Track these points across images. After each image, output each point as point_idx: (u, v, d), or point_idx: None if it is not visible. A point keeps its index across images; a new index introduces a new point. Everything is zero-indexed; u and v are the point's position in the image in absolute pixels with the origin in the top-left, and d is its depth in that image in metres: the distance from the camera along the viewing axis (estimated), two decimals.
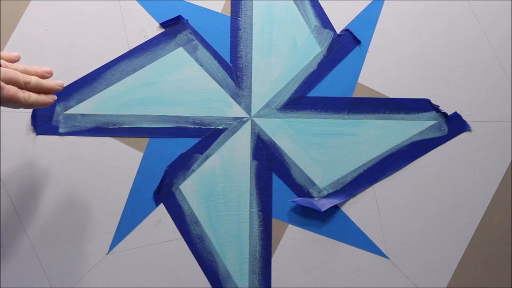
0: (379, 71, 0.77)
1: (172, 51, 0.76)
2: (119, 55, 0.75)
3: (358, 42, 0.77)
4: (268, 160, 0.75)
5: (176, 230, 0.74)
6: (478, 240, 0.75)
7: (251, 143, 0.75)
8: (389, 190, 0.75)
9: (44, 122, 0.73)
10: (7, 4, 0.74)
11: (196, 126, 0.75)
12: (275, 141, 0.76)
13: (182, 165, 0.74)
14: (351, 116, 0.76)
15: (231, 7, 0.77)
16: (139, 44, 0.75)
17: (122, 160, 0.74)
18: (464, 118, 0.76)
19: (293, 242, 0.74)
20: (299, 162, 0.75)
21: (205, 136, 0.75)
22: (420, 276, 0.74)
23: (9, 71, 0.56)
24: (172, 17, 0.76)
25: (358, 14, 0.77)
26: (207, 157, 0.75)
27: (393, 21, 0.77)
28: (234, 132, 0.75)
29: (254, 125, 0.76)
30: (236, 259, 0.74)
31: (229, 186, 0.75)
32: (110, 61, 0.75)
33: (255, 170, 0.75)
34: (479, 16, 0.77)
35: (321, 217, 0.75)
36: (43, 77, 0.61)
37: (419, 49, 0.77)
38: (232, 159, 0.75)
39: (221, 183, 0.75)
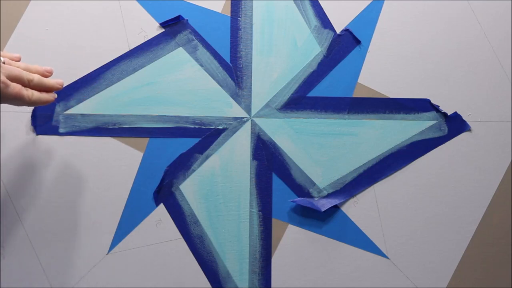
0: (379, 71, 0.77)
1: (172, 51, 0.76)
2: (119, 55, 0.75)
3: (358, 42, 0.77)
4: (268, 160, 0.75)
5: (176, 230, 0.74)
6: (478, 240, 0.75)
7: (251, 143, 0.75)
8: (389, 190, 0.75)
9: (44, 122, 0.73)
10: (7, 4, 0.74)
11: (196, 126, 0.75)
12: (275, 141, 0.76)
13: (182, 165, 0.74)
14: (351, 116, 0.76)
15: (231, 7, 0.77)
16: (139, 44, 0.75)
17: (122, 160, 0.74)
18: (464, 118, 0.76)
19: (293, 242, 0.74)
20: (299, 162, 0.75)
21: (205, 136, 0.75)
22: (420, 276, 0.74)
23: (14, 68, 0.57)
24: (172, 17, 0.76)
25: (358, 14, 0.77)
26: (207, 157, 0.75)
27: (393, 21, 0.77)
28: (234, 132, 0.75)
29: (254, 125, 0.76)
30: (236, 259, 0.74)
31: (229, 186, 0.75)
32: (110, 61, 0.75)
33: (255, 170, 0.75)
34: (479, 16, 0.77)
35: (321, 217, 0.75)
36: (43, 76, 0.62)
37: (419, 49, 0.77)
38: (232, 159, 0.75)
39: (221, 183, 0.75)
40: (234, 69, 0.76)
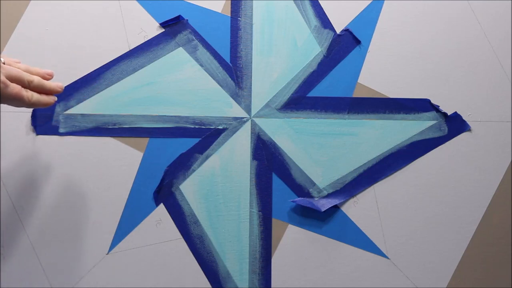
0: (379, 71, 0.77)
1: (172, 51, 0.76)
2: (119, 55, 0.75)
3: (358, 42, 0.77)
4: (268, 160, 0.75)
5: (176, 230, 0.74)
6: (478, 240, 0.75)
7: (251, 143, 0.75)
8: (389, 190, 0.75)
9: (44, 122, 0.73)
10: (7, 4, 0.74)
11: (196, 126, 0.75)
12: (275, 141, 0.76)
13: (182, 165, 0.74)
14: (351, 116, 0.76)
15: (231, 7, 0.77)
16: (139, 44, 0.75)
17: (122, 160, 0.74)
18: (464, 118, 0.76)
19: (293, 242, 0.74)
20: (299, 162, 0.75)
21: (205, 136, 0.75)
22: (420, 276, 0.74)
23: (14, 69, 0.57)
24: (172, 17, 0.76)
25: (358, 14, 0.77)
26: (207, 157, 0.75)
27: (393, 21, 0.77)
28: (234, 132, 0.75)
29: (254, 125, 0.76)
30: (236, 259, 0.74)
31: (229, 186, 0.75)
32: (110, 61, 0.75)
33: (255, 170, 0.75)
34: (479, 16, 0.77)
35: (321, 217, 0.75)
36: (44, 78, 0.62)
37: (419, 49, 0.77)
38: (232, 159, 0.75)
39: (221, 183, 0.75)
40: (234, 69, 0.76)
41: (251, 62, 0.76)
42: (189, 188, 0.74)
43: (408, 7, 0.77)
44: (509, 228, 0.76)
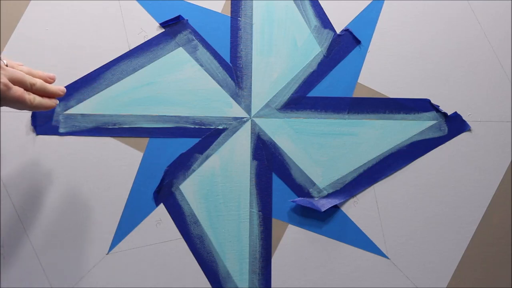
0: (379, 71, 0.77)
1: (172, 51, 0.76)
2: (119, 55, 0.75)
3: (358, 42, 0.77)
4: (268, 160, 0.75)
5: (176, 230, 0.74)
6: (478, 240, 0.75)
7: (251, 143, 0.75)
8: (389, 190, 0.75)
9: (44, 122, 0.73)
10: (7, 4, 0.74)
11: (196, 126, 0.75)
12: (275, 141, 0.76)
13: (182, 165, 0.74)
14: (351, 116, 0.76)
15: (231, 7, 0.77)
16: (139, 44, 0.75)
17: (122, 160, 0.74)
18: (464, 118, 0.76)
19: (293, 242, 0.74)
20: (299, 162, 0.75)
21: (205, 136, 0.75)
22: (420, 276, 0.74)
23: (17, 71, 0.57)
24: (172, 17, 0.76)
25: (358, 14, 0.77)
26: (207, 157, 0.75)
27: (393, 21, 0.77)
28: (234, 132, 0.75)
29: (254, 125, 0.76)
30: (236, 259, 0.74)
31: (229, 186, 0.75)
32: (110, 61, 0.75)
33: (255, 170, 0.75)
34: (479, 16, 0.77)
35: (321, 217, 0.75)
36: (46, 81, 0.62)
37: (419, 49, 0.77)
38: (232, 159, 0.75)
39: (221, 183, 0.75)
40: (234, 69, 0.76)
41: (251, 62, 0.76)
42: (189, 188, 0.74)
43: (408, 7, 0.77)
44: (509, 228, 0.76)
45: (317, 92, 0.76)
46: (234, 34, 0.76)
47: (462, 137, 0.76)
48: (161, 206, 0.74)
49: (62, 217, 0.73)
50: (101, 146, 0.74)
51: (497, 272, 0.75)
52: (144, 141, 0.74)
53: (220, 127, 0.75)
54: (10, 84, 0.55)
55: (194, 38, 0.76)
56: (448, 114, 0.76)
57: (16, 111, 0.73)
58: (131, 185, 0.74)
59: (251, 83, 0.76)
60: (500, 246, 0.75)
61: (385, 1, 0.77)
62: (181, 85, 0.75)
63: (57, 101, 0.62)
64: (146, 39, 0.75)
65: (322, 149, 0.76)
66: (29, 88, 0.58)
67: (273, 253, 0.74)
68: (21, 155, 0.73)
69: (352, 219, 0.75)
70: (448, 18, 0.77)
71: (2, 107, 0.72)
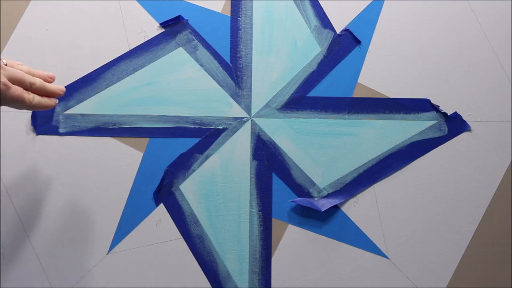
0: (379, 71, 0.77)
1: (172, 51, 0.76)
2: (119, 55, 0.75)
3: (358, 42, 0.77)
4: (268, 160, 0.75)
5: (176, 230, 0.74)
6: (478, 240, 0.75)
7: (251, 143, 0.75)
8: (389, 190, 0.75)
9: (44, 122, 0.73)
10: (7, 4, 0.74)
11: (196, 126, 0.75)
12: (275, 141, 0.76)
13: (182, 165, 0.74)
14: (351, 116, 0.76)
15: (231, 7, 0.77)
16: (139, 44, 0.75)
17: (122, 160, 0.74)
18: (464, 118, 0.76)
19: (293, 242, 0.74)
20: (299, 162, 0.75)
21: (205, 136, 0.75)
22: (420, 276, 0.74)
23: (16, 71, 0.56)
24: (172, 17, 0.76)
25: (358, 14, 0.77)
26: (207, 157, 0.75)
27: (393, 21, 0.77)
28: (234, 132, 0.75)
29: (254, 125, 0.76)
30: (236, 259, 0.74)
31: (229, 186, 0.75)
32: (110, 61, 0.75)
33: (255, 170, 0.75)
34: (479, 16, 0.77)
35: (321, 217, 0.75)
36: (45, 81, 0.61)
37: (419, 49, 0.77)
38: (232, 159, 0.75)
39: (221, 183, 0.75)
40: (234, 69, 0.76)
41: (251, 62, 0.76)
42: (189, 188, 0.74)
43: (408, 7, 0.77)
44: (509, 228, 0.76)
45: (317, 92, 0.76)
46: (234, 34, 0.76)
47: (462, 137, 0.76)
48: (161, 206, 0.74)
49: (62, 217, 0.73)
50: (101, 146, 0.74)
51: (497, 272, 0.75)
52: (144, 141, 0.74)
53: (220, 127, 0.75)
54: (9, 84, 0.55)
55: (194, 38, 0.76)
56: (448, 114, 0.76)
57: (16, 111, 0.73)
58: (131, 185, 0.74)
59: (251, 83, 0.76)
60: (500, 246, 0.75)
61: (385, 1, 0.77)
62: (181, 85, 0.75)
63: (57, 101, 0.62)
64: (146, 39, 0.75)
65: (322, 149, 0.76)
66: (29, 87, 0.58)
67: (273, 253, 0.74)
68: (21, 155, 0.73)
69: (352, 219, 0.75)
70: (448, 18, 0.77)
71: (2, 107, 0.72)
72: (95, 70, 0.75)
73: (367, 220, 0.75)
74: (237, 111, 0.76)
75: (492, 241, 0.75)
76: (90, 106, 0.74)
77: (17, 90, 0.55)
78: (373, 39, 0.77)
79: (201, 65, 0.76)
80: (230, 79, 0.76)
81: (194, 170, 0.74)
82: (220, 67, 0.76)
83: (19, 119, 0.73)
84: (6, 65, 0.57)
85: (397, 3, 0.77)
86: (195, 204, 0.74)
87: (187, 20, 0.76)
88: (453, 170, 0.76)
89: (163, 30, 0.76)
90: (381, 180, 0.75)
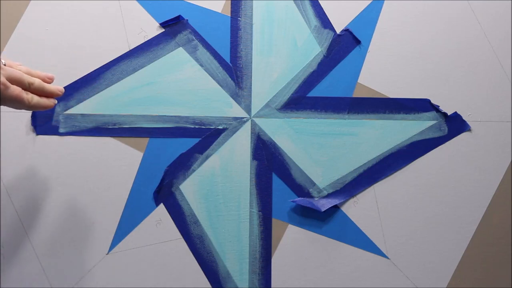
0: (379, 71, 0.77)
1: (172, 51, 0.76)
2: (119, 55, 0.75)
3: (358, 42, 0.77)
4: (268, 160, 0.75)
5: (176, 230, 0.74)
6: (478, 240, 0.75)
7: (251, 143, 0.75)
8: (389, 190, 0.75)
9: (44, 122, 0.73)
10: (7, 4, 0.74)
11: (196, 126, 0.75)
12: (275, 141, 0.76)
13: (182, 165, 0.74)
14: (351, 116, 0.76)
15: (231, 7, 0.77)
16: (139, 44, 0.75)
17: (122, 160, 0.74)
18: (464, 118, 0.76)
19: (293, 242, 0.74)
20: (299, 162, 0.75)
21: (205, 136, 0.75)
22: (420, 276, 0.74)
23: (15, 71, 0.57)
24: (172, 17, 0.76)
25: (358, 14, 0.77)
26: (207, 157, 0.75)
27: (393, 21, 0.77)
28: (234, 132, 0.75)
29: (254, 125, 0.76)
30: (236, 259, 0.74)
31: (229, 186, 0.75)
32: (110, 61, 0.75)
33: (255, 170, 0.75)
34: (479, 16, 0.77)
35: (321, 217, 0.75)
36: (44, 81, 0.61)
37: (419, 49, 0.77)
38: (232, 159, 0.75)
39: (221, 183, 0.75)
40: (234, 69, 0.76)
41: (251, 62, 0.76)
42: (189, 188, 0.74)
43: (408, 7, 0.77)
44: (509, 228, 0.76)
45: (317, 92, 0.76)
46: (234, 34, 0.76)
47: (462, 137, 0.76)
48: (161, 206, 0.74)
49: (62, 217, 0.73)
50: (101, 146, 0.74)
51: (497, 272, 0.75)
52: (144, 141, 0.74)
53: (220, 127, 0.75)
54: (8, 83, 0.55)
55: (194, 38, 0.76)
56: (448, 114, 0.76)
57: (16, 111, 0.73)
58: (131, 185, 0.74)
59: (251, 83, 0.76)
60: (500, 246, 0.75)
61: (385, 1, 0.77)
62: (181, 85, 0.75)
63: (55, 101, 0.62)
64: (146, 39, 0.75)
65: (322, 149, 0.76)
66: (27, 87, 0.58)
67: (273, 253, 0.74)
68: (21, 155, 0.73)
69: (352, 219, 0.75)
70: (448, 18, 0.77)
71: (2, 108, 0.72)
72: (95, 70, 0.75)
73: (367, 220, 0.75)
74: (237, 111, 0.76)
75: (492, 241, 0.75)
76: (90, 106, 0.74)
77: (16, 90, 0.55)
78: (373, 39, 0.77)
79: (201, 65, 0.76)
80: (230, 79, 0.76)
81: (194, 170, 0.74)
82: (220, 67, 0.76)
83: (19, 119, 0.73)
84: (5, 65, 0.57)
85: (397, 3, 0.77)
86: (195, 204, 0.74)
87: (187, 20, 0.76)
88: (453, 170, 0.76)
89: (163, 30, 0.76)
90: (381, 180, 0.75)
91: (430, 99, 0.76)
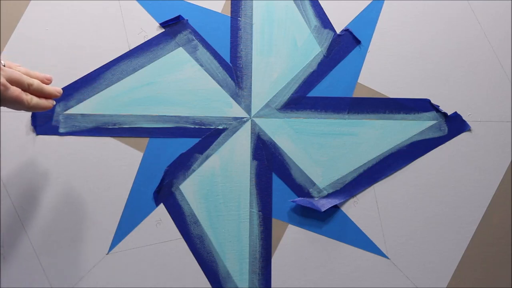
0: (379, 71, 0.77)
1: (172, 51, 0.76)
2: (119, 55, 0.75)
3: (358, 42, 0.77)
4: (268, 160, 0.75)
5: (176, 230, 0.74)
6: (478, 240, 0.75)
7: (251, 143, 0.75)
8: (389, 190, 0.75)
9: (44, 122, 0.74)
10: (7, 4, 0.74)
11: (196, 126, 0.75)
12: (275, 141, 0.76)
13: (182, 165, 0.74)
14: (351, 116, 0.76)
15: (231, 7, 0.77)
16: (139, 44, 0.75)
17: (122, 160, 0.74)
18: (464, 118, 0.76)
19: (293, 242, 0.74)
20: (299, 162, 0.75)
21: (205, 136, 0.75)
22: (420, 276, 0.74)
23: (15, 72, 0.57)
24: (172, 17, 0.76)
25: (358, 14, 0.77)
26: (207, 157, 0.75)
27: (393, 21, 0.77)
28: (234, 132, 0.75)
29: (254, 125, 0.76)
30: (236, 259, 0.74)
31: (229, 186, 0.75)
32: (110, 61, 0.75)
33: (255, 170, 0.75)
34: (479, 16, 0.77)
35: (321, 217, 0.75)
36: (43, 82, 0.62)
37: (419, 49, 0.77)
38: (232, 159, 0.75)
39: (221, 183, 0.75)
40: (234, 69, 0.76)
41: (251, 62, 0.76)
42: (189, 188, 0.74)
43: (408, 7, 0.77)
44: (509, 228, 0.76)
45: (317, 92, 0.76)
46: (234, 34, 0.76)
47: (462, 137, 0.76)
48: (161, 206, 0.74)
49: (62, 217, 0.73)
50: (101, 146, 0.74)
51: (497, 272, 0.75)
52: (144, 141, 0.74)
53: (220, 127, 0.75)
54: (8, 85, 0.55)
55: (194, 38, 0.76)
56: (448, 114, 0.76)
57: (16, 111, 0.73)
58: (131, 185, 0.74)
59: (251, 83, 0.76)
60: (500, 246, 0.75)
61: (385, 1, 0.77)
62: (181, 85, 0.75)
63: (54, 102, 0.62)
64: (146, 39, 0.75)
65: (322, 149, 0.76)
66: (27, 88, 0.58)
67: (273, 253, 0.74)
68: (21, 155, 0.73)
69: (352, 219, 0.75)
70: (448, 18, 0.77)
71: (2, 108, 0.72)
72: (95, 70, 0.75)
73: (367, 220, 0.75)
74: (237, 111, 0.76)
75: (492, 241, 0.75)
76: (90, 106, 0.74)
77: (15, 91, 0.56)
78: (373, 39, 0.77)
79: (201, 65, 0.76)
80: (230, 79, 0.76)
81: (194, 170, 0.74)
82: (220, 67, 0.76)
83: (19, 119, 0.73)
84: (4, 66, 0.57)
85: (397, 3, 0.77)
86: (195, 204, 0.74)
87: (187, 20, 0.76)
88: (453, 170, 0.76)
89: (163, 30, 0.76)
90: (381, 180, 0.75)
91: (430, 99, 0.76)
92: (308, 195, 0.75)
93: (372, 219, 0.75)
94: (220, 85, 0.76)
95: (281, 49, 0.76)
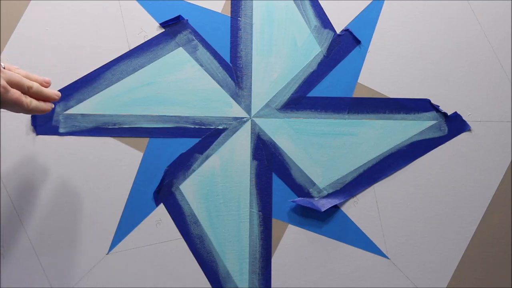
0: (379, 71, 0.77)
1: (172, 51, 0.76)
2: (119, 55, 0.75)
3: (358, 42, 0.77)
4: (268, 160, 0.75)
5: (176, 230, 0.74)
6: (478, 240, 0.75)
7: (251, 143, 0.75)
8: (389, 190, 0.75)
9: (44, 122, 0.74)
10: (7, 4, 0.74)
11: (196, 126, 0.75)
12: (275, 141, 0.76)
13: (182, 165, 0.74)
14: (351, 116, 0.76)
15: (231, 7, 0.77)
16: (139, 44, 0.75)
17: (122, 160, 0.74)
18: (464, 118, 0.76)
19: (293, 242, 0.74)
20: (299, 162, 0.75)
21: (205, 136, 0.75)
22: (420, 276, 0.74)
23: (15, 74, 0.57)
24: (172, 17, 0.76)
25: (358, 14, 0.77)
26: (207, 157, 0.75)
27: (393, 21, 0.77)
28: (234, 132, 0.75)
29: (254, 125, 0.76)
30: (236, 259, 0.74)
31: (229, 186, 0.75)
32: (110, 61, 0.75)
33: (255, 170, 0.75)
34: (479, 16, 0.77)
35: (321, 217, 0.75)
36: (42, 85, 0.62)
37: (419, 49, 0.77)
38: (232, 159, 0.75)
39: (221, 183, 0.75)
40: (234, 69, 0.76)
41: (251, 62, 0.76)
42: (189, 188, 0.74)
43: (408, 7, 0.77)
44: (509, 228, 0.76)
45: (317, 92, 0.76)
46: (234, 34, 0.76)
47: (462, 137, 0.76)
48: (161, 206, 0.74)
49: (62, 217, 0.73)
50: (101, 146, 0.74)
51: (497, 272, 0.75)
52: (144, 141, 0.74)
53: (220, 127, 0.75)
54: (8, 87, 0.55)
55: (194, 38, 0.76)
56: (448, 114, 0.76)
57: None
58: (131, 185, 0.74)
59: (251, 83, 0.76)
60: (500, 246, 0.75)
61: (385, 1, 0.77)
62: (181, 85, 0.75)
63: (53, 105, 0.63)
64: (146, 39, 0.75)
65: (322, 149, 0.76)
66: (26, 91, 0.58)
67: (273, 253, 0.74)
68: (21, 155, 0.73)
69: (352, 219, 0.75)
70: (448, 18, 0.77)
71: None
72: (95, 70, 0.75)
73: (367, 220, 0.75)
74: (237, 111, 0.76)
75: (492, 241, 0.75)
76: (90, 106, 0.74)
77: (15, 93, 0.56)
78: (373, 39, 0.77)
79: (201, 65, 0.76)
80: (230, 79, 0.76)
81: (194, 170, 0.75)
82: (220, 67, 0.76)
83: (19, 119, 0.73)
84: (4, 68, 0.57)
85: (397, 3, 0.77)
86: (195, 204, 0.74)
87: (187, 20, 0.76)
88: (453, 170, 0.76)
89: (163, 30, 0.76)
90: (381, 180, 0.75)
91: (430, 99, 0.76)
92: (308, 195, 0.75)
93: (372, 219, 0.75)
94: (220, 85, 0.76)
95: (281, 49, 0.76)
